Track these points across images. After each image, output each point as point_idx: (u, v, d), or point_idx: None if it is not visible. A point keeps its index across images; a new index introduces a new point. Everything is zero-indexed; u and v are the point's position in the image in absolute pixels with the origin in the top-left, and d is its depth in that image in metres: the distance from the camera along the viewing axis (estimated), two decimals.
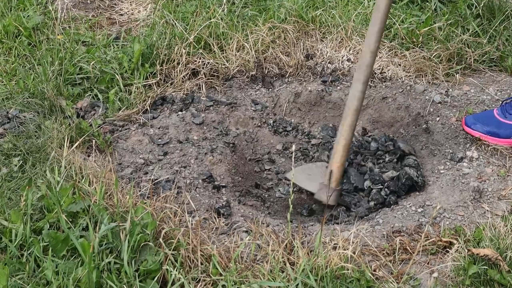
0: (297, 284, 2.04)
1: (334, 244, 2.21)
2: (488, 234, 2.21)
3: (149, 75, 3.13)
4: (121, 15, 3.80)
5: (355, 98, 2.47)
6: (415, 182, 2.60)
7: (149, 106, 3.01)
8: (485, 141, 2.73)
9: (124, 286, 2.00)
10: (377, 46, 2.41)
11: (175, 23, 3.33)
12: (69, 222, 2.17)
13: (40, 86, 2.94)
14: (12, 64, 3.21)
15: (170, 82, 3.16)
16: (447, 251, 2.22)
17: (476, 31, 3.33)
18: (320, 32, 3.38)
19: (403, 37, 3.32)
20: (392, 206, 2.54)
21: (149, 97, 3.03)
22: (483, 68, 3.22)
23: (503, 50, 3.25)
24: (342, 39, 3.34)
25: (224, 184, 2.70)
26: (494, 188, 2.53)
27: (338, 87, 3.18)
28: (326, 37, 3.36)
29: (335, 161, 2.54)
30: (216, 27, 3.30)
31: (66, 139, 2.60)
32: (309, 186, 2.67)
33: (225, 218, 2.45)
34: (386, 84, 3.16)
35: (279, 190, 2.81)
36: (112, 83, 3.09)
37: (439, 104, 3.00)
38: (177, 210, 2.33)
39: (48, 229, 2.15)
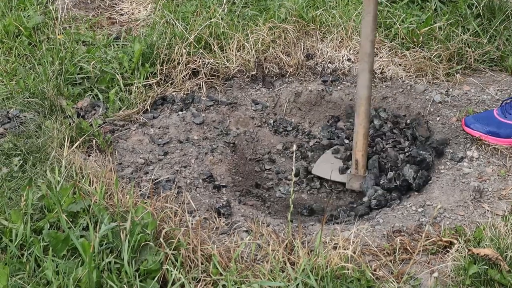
0: (298, 284, 2.04)
1: (335, 244, 2.21)
2: (488, 234, 2.21)
3: (150, 75, 3.13)
4: (122, 15, 3.80)
5: (365, 88, 2.58)
6: (410, 184, 2.61)
7: (149, 106, 3.01)
8: (485, 141, 2.73)
9: (125, 286, 2.00)
10: (374, 34, 2.51)
11: (176, 23, 3.33)
12: (69, 222, 2.17)
13: (40, 86, 2.94)
14: (13, 64, 3.21)
15: (170, 82, 3.16)
16: (448, 251, 2.22)
17: (477, 31, 3.33)
18: (321, 32, 3.38)
19: (404, 37, 3.32)
20: (392, 206, 2.54)
21: (149, 97, 3.03)
22: (484, 68, 3.22)
23: (504, 50, 3.25)
24: (342, 39, 3.33)
25: (224, 184, 2.70)
26: (495, 188, 2.53)
27: (339, 87, 3.18)
28: (327, 37, 3.36)
29: (358, 150, 2.66)
30: (216, 27, 3.30)
31: (66, 139, 2.60)
32: (338, 177, 2.79)
33: (225, 218, 2.45)
34: (386, 84, 3.16)
35: (280, 190, 2.81)
36: (112, 83, 3.09)
37: (439, 104, 3.00)
38: (177, 210, 2.33)
39: (49, 229, 2.15)
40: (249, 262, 2.17)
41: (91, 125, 2.80)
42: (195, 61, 3.19)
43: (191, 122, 2.97)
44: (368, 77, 2.56)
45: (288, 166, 2.94)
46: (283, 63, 3.26)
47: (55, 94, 2.92)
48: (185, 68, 3.16)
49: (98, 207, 2.21)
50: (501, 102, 2.87)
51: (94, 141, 2.73)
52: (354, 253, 2.16)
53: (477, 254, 2.10)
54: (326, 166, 2.83)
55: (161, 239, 2.12)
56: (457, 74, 3.16)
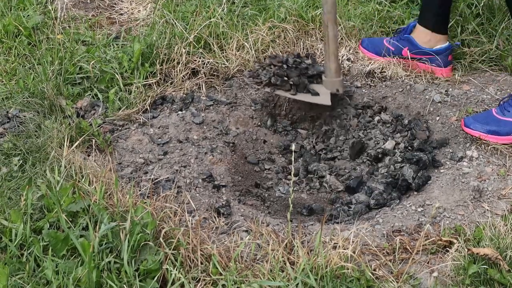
0: (297, 284, 2.04)
1: (334, 243, 2.21)
2: (488, 233, 2.21)
3: (149, 74, 3.13)
4: (121, 14, 3.80)
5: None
6: (410, 184, 2.61)
7: (149, 106, 3.01)
8: (485, 140, 2.72)
9: (124, 285, 2.00)
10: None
11: (175, 23, 3.33)
12: (69, 222, 2.17)
13: (40, 86, 2.94)
14: (12, 63, 3.21)
15: (170, 81, 3.16)
16: (447, 251, 2.22)
17: (476, 30, 3.32)
18: (320, 32, 3.38)
19: None
20: (392, 206, 2.54)
21: (149, 96, 3.03)
22: (483, 68, 3.22)
23: (503, 49, 3.24)
24: (341, 39, 3.33)
25: (224, 184, 2.70)
26: (494, 188, 2.53)
27: None
28: None
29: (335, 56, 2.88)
30: (216, 26, 3.30)
31: (66, 138, 2.60)
32: (320, 97, 2.96)
33: (225, 217, 2.45)
34: (386, 84, 3.16)
35: (279, 190, 2.81)
36: (112, 82, 3.09)
37: (439, 104, 3.00)
38: (177, 210, 2.33)
39: (48, 229, 2.15)
40: (249, 261, 2.17)
41: (90, 125, 2.80)
42: (195, 60, 3.19)
43: (190, 121, 2.97)
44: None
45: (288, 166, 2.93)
46: None
47: (55, 94, 2.92)
48: (184, 68, 3.16)
49: (98, 207, 2.21)
50: (499, 101, 2.87)
51: (93, 141, 2.73)
52: (354, 252, 2.16)
53: (477, 253, 2.10)
54: (305, 96, 2.97)
55: (160, 239, 2.13)
56: (456, 73, 3.16)
